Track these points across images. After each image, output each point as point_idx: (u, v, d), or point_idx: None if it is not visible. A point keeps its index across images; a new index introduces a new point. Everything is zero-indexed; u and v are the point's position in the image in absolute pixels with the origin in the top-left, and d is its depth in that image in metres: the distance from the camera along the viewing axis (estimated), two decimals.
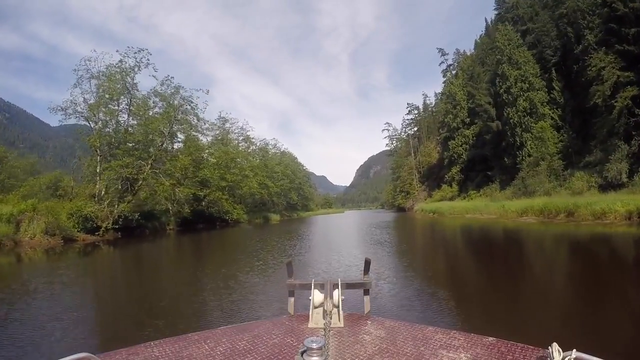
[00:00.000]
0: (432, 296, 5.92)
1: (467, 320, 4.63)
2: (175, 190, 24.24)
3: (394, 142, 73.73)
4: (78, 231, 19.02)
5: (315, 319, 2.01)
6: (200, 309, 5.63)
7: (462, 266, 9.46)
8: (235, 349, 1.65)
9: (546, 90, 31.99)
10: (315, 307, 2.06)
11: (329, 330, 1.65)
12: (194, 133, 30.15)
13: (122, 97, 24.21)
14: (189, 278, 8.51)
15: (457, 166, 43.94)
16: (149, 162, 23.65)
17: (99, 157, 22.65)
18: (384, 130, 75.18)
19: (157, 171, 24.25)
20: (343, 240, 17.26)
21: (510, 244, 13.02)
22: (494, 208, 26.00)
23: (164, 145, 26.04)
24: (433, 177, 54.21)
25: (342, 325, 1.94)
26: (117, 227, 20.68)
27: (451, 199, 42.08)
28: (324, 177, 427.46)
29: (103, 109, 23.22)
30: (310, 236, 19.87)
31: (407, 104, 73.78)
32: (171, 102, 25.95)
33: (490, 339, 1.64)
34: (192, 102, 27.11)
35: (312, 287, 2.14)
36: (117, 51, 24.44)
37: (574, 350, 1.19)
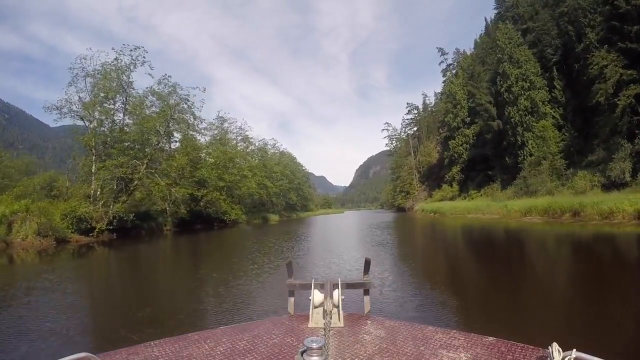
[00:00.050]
0: (442, 297, 5.72)
1: (468, 320, 4.59)
2: (171, 190, 23.87)
3: (393, 142, 73.45)
4: (72, 232, 18.67)
5: (315, 319, 2.00)
6: (180, 318, 5.23)
7: (466, 267, 9.20)
8: (235, 348, 1.65)
9: (547, 89, 31.78)
10: (315, 307, 2.06)
11: (329, 330, 1.66)
12: (191, 132, 29.80)
13: (118, 95, 23.88)
14: (177, 283, 8.16)
15: (458, 166, 43.65)
16: (145, 162, 23.30)
17: (94, 157, 22.30)
18: (383, 130, 74.93)
19: (153, 171, 23.88)
20: (343, 241, 16.86)
21: (516, 244, 12.73)
22: (496, 208, 25.69)
23: (160, 145, 25.68)
24: (433, 177, 53.90)
25: (342, 325, 1.93)
26: (111, 228, 20.32)
27: (452, 198, 41.78)
28: (323, 178, 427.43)
29: (98, 108, 22.86)
30: (309, 237, 19.50)
31: (407, 103, 73.63)
32: (168, 101, 25.61)
33: (490, 338, 1.63)
34: (188, 101, 26.81)
35: (312, 287, 2.13)
36: (112, 49, 24.14)
37: (574, 350, 1.18)
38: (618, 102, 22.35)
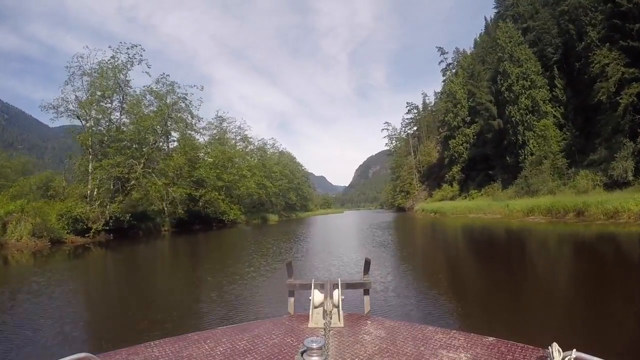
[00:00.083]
0: (447, 299, 5.60)
1: (468, 320, 4.56)
2: (168, 190, 23.60)
3: (393, 141, 73.21)
4: (67, 233, 18.41)
5: (315, 319, 2.00)
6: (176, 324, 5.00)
7: (469, 267, 9.01)
8: (235, 348, 1.65)
9: (548, 87, 31.60)
10: (315, 307, 2.06)
11: (329, 330, 1.67)
12: (189, 132, 29.54)
13: (115, 94, 23.62)
14: (169, 286, 7.93)
15: (458, 165, 43.44)
16: (142, 161, 23.04)
17: (90, 156, 22.03)
18: (383, 129, 74.70)
19: (150, 170, 23.62)
20: (343, 242, 16.58)
21: (521, 244, 12.54)
22: (497, 207, 25.49)
23: (157, 144, 25.42)
24: (433, 177, 53.68)
25: (342, 325, 1.93)
26: (108, 228, 20.06)
27: (452, 198, 41.57)
28: (322, 177, 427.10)
29: (95, 107, 22.60)
30: (308, 238, 19.25)
31: (407, 103, 73.29)
32: (165, 99, 25.36)
33: (490, 339, 1.63)
34: (186, 99, 26.56)
35: (312, 287, 2.13)
36: (109, 47, 23.88)
37: (574, 350, 1.18)
38: (620, 101, 22.18)
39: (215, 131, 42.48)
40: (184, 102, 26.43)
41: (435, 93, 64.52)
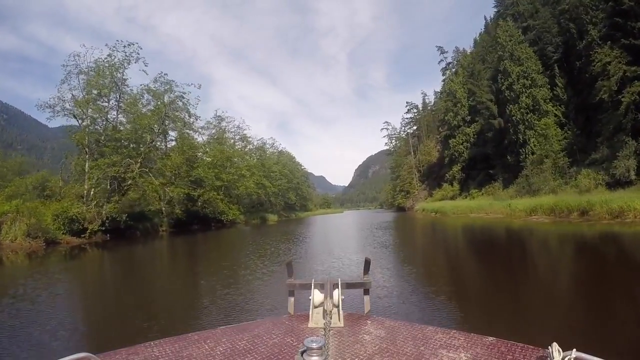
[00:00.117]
0: (454, 302, 5.42)
1: (468, 320, 4.53)
2: (165, 190, 23.35)
3: (393, 141, 73.00)
4: (63, 233, 18.16)
5: (315, 319, 2.00)
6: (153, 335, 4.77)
7: (472, 268, 8.82)
8: (235, 348, 1.65)
9: (549, 86, 31.42)
10: (315, 307, 2.05)
11: (329, 330, 1.67)
12: (187, 131, 29.29)
13: (112, 93, 23.37)
14: (168, 287, 7.71)
15: (458, 165, 43.25)
16: (139, 161, 22.79)
17: (86, 155, 21.78)
18: (383, 129, 74.51)
19: (147, 170, 23.37)
20: (343, 242, 16.32)
21: (525, 245, 12.33)
22: (499, 207, 25.29)
23: (154, 143, 25.17)
24: (433, 176, 53.49)
25: (342, 325, 1.92)
26: (105, 229, 19.81)
27: (452, 198, 41.36)
28: (322, 177, 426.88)
29: (91, 106, 22.36)
30: (307, 238, 19.01)
31: (406, 102, 73.15)
32: (162, 98, 25.12)
33: (490, 338, 1.63)
34: (184, 98, 26.32)
35: (312, 286, 2.12)
36: (106, 45, 23.65)
37: (574, 350, 1.18)
38: (622, 99, 22.01)
39: (214, 130, 42.22)
40: (181, 101, 26.23)
41: (435, 92, 64.44)
